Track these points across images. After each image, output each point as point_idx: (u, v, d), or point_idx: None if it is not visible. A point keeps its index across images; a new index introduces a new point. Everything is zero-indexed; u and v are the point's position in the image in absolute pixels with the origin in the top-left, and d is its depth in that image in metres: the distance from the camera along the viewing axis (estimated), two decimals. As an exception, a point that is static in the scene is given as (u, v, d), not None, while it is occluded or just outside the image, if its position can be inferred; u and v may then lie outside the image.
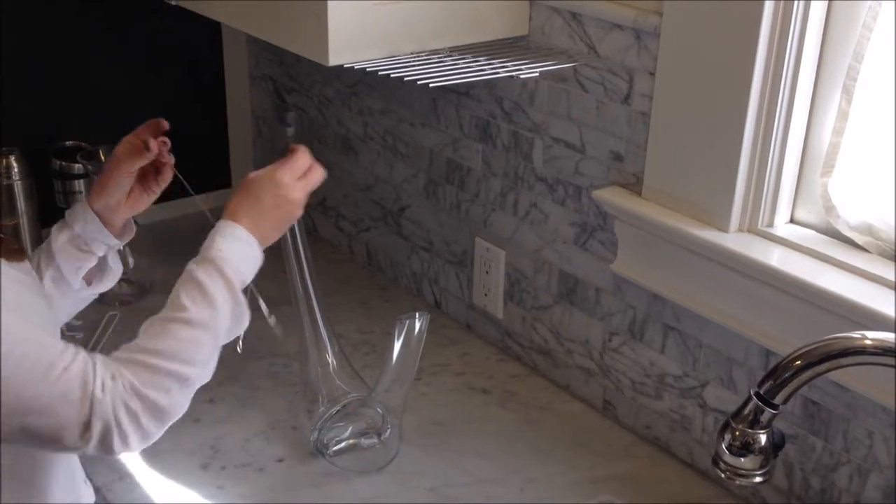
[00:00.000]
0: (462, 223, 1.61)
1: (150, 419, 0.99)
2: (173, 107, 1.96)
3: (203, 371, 1.04)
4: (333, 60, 1.22)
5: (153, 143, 1.18)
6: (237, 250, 1.08)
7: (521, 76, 1.19)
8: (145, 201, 1.24)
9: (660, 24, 1.21)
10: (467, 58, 1.26)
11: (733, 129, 1.16)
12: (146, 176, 1.23)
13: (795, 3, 1.10)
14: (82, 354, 0.97)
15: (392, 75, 1.17)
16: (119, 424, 0.96)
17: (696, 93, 1.19)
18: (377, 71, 1.19)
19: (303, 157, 1.16)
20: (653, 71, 1.24)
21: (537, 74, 1.21)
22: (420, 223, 1.70)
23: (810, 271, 1.14)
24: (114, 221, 1.21)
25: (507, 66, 1.22)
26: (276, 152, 2.02)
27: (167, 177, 1.23)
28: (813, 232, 1.20)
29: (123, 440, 0.97)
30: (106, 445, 0.97)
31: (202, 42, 1.95)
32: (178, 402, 1.02)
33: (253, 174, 1.14)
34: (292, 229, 1.43)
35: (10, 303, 0.95)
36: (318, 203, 1.96)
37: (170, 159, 1.22)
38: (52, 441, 0.96)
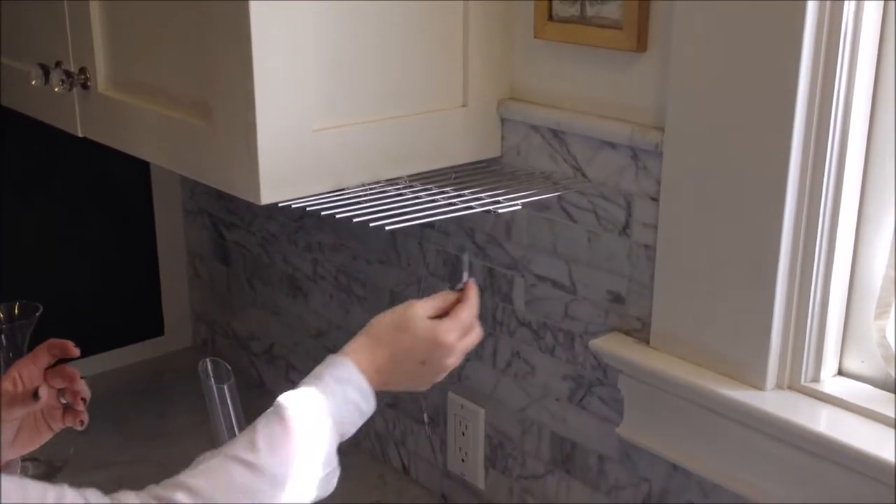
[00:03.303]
0: (432, 376, 1.37)
1: None
2: (96, 249, 1.73)
3: None
4: (267, 198, 1.00)
5: (44, 393, 0.91)
6: (344, 399, 0.87)
7: (500, 210, 0.97)
8: (40, 440, 0.98)
9: (661, 140, 1.01)
10: (431, 188, 1.04)
11: (763, 262, 0.95)
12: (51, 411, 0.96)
13: (833, 108, 0.89)
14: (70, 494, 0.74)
15: (338, 216, 0.95)
16: None
17: (711, 220, 0.98)
18: (321, 211, 0.96)
19: (471, 309, 0.95)
20: (655, 196, 1.03)
21: (519, 207, 0.99)
22: (382, 376, 1.45)
23: (869, 438, 0.91)
24: None
25: (481, 198, 1.00)
26: (217, 294, 1.78)
27: (82, 417, 0.97)
28: (869, 387, 0.97)
29: None
30: None
31: (128, 173, 1.72)
32: None
33: (412, 314, 0.93)
34: (221, 392, 1.19)
35: None
36: (264, 352, 1.70)
37: (79, 400, 0.95)
38: None
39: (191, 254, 1.82)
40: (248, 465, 0.80)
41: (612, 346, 1.09)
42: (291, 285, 1.60)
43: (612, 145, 1.06)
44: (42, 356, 0.95)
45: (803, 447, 0.94)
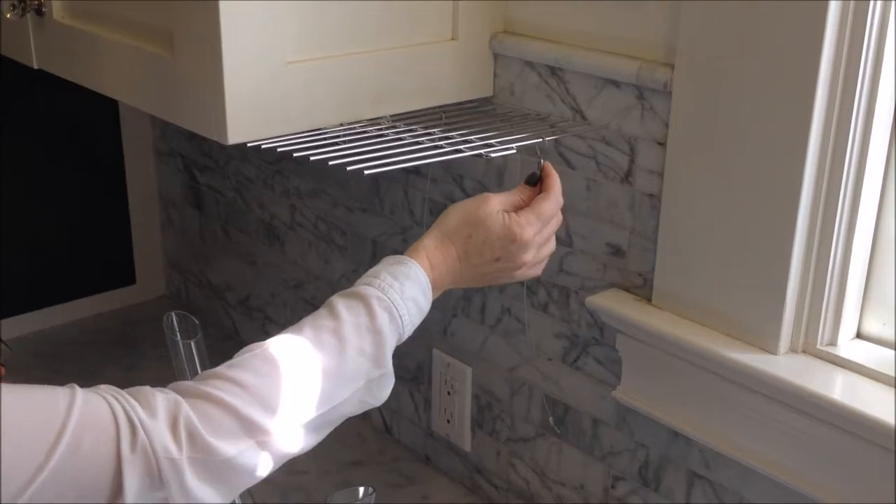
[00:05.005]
0: (416, 332, 1.28)
1: (200, 473, 0.69)
2: (63, 193, 1.63)
3: (290, 435, 0.74)
4: (234, 138, 0.90)
5: None
6: (410, 297, 0.81)
7: (492, 155, 0.88)
8: None
9: (671, 78, 0.91)
10: (416, 130, 0.95)
11: (780, 214, 0.86)
12: None
13: (865, 41, 0.80)
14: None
15: (312, 158, 0.85)
16: (162, 479, 0.67)
17: (724, 167, 0.89)
18: (293, 152, 0.87)
19: (554, 202, 0.88)
20: (662, 140, 0.94)
21: (513, 151, 0.90)
22: (363, 330, 1.37)
23: (890, 407, 0.83)
24: None
25: (471, 142, 0.90)
26: (191, 242, 1.68)
27: None
28: (890, 352, 0.90)
29: None
30: None
31: (95, 111, 1.61)
32: (248, 463, 0.72)
33: (486, 209, 0.86)
34: (188, 348, 1.11)
35: None
36: (239, 302, 1.62)
37: None
38: None
39: (163, 198, 1.72)
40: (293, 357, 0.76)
41: (610, 303, 1.01)
42: (268, 233, 1.51)
43: (616, 84, 0.97)
44: None
45: (818, 416, 0.86)
